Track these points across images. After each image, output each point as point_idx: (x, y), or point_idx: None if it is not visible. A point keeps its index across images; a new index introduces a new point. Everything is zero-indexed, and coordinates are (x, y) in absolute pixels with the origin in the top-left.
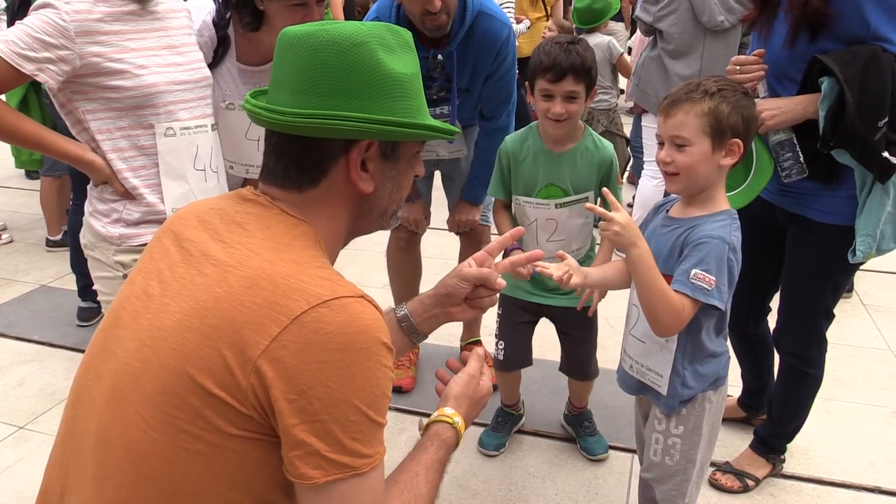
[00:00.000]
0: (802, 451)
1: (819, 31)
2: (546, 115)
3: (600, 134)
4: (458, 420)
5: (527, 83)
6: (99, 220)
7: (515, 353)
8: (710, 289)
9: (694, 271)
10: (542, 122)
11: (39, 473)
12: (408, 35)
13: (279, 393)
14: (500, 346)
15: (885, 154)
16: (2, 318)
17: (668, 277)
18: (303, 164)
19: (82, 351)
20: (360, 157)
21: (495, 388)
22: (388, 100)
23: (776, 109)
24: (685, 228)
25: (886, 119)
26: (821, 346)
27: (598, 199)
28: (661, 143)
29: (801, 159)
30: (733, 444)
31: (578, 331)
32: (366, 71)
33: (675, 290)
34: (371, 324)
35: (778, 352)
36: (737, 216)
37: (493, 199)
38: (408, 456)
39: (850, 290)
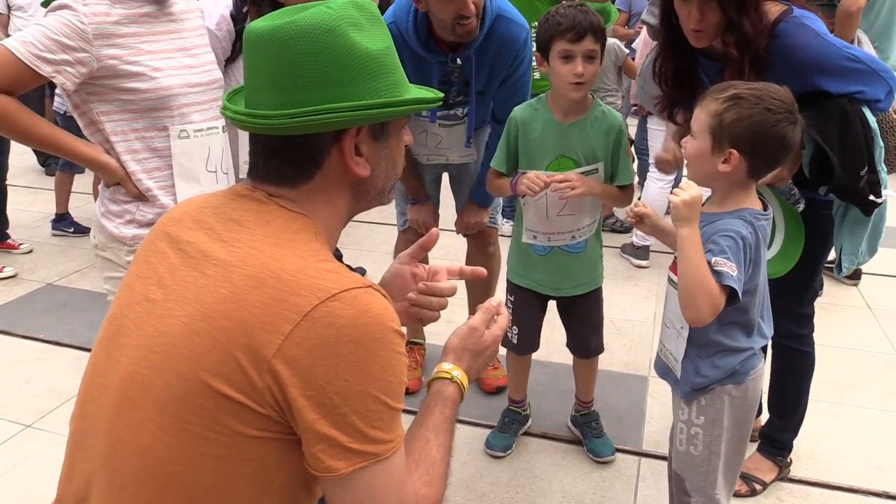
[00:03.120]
0: (810, 455)
1: None
2: (566, 79)
3: None
4: (458, 373)
5: (537, 53)
6: (112, 220)
7: (529, 337)
8: (733, 274)
9: (714, 259)
10: (560, 88)
11: (46, 472)
12: (373, 7)
13: (296, 391)
14: (515, 331)
15: (871, 197)
16: (7, 317)
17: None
18: (295, 160)
19: (89, 349)
20: (352, 143)
21: (498, 390)
22: (369, 80)
23: None
24: (706, 223)
25: (865, 168)
26: (811, 324)
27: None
28: None
29: (797, 194)
30: None
31: (583, 309)
32: (342, 57)
33: None
34: (382, 313)
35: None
36: (760, 216)
37: (500, 202)
38: (414, 422)
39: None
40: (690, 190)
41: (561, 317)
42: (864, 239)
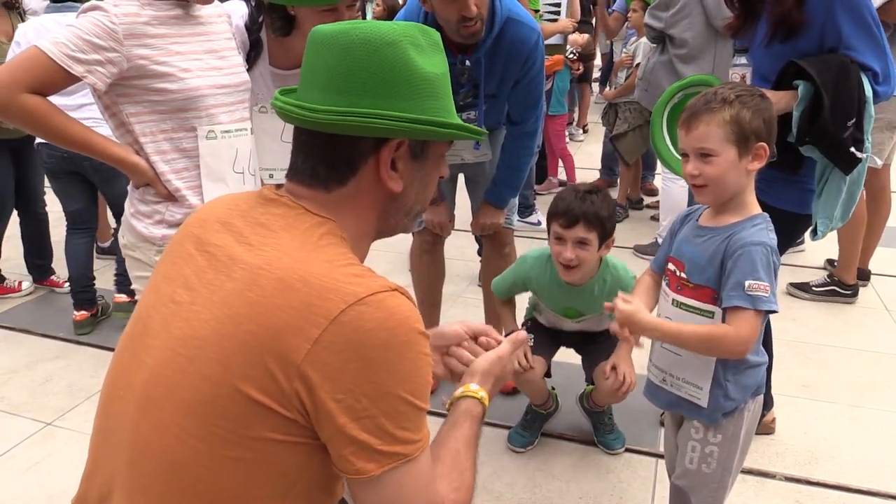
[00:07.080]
0: (828, 457)
1: (792, 35)
2: (558, 259)
3: (636, 130)
4: (484, 394)
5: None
6: (141, 220)
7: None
8: (767, 296)
9: (748, 282)
10: (556, 265)
11: (67, 469)
12: (437, 35)
13: (326, 394)
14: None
15: (852, 149)
16: (27, 315)
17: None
18: (332, 162)
19: (107, 348)
20: (390, 155)
21: (515, 391)
22: (419, 99)
23: None
24: (723, 237)
25: (853, 120)
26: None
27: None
28: (684, 156)
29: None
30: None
31: (604, 341)
32: (398, 70)
33: (736, 306)
34: (409, 316)
35: None
36: (769, 218)
37: (516, 202)
38: (443, 433)
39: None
40: (624, 308)
41: (584, 360)
42: (840, 204)
